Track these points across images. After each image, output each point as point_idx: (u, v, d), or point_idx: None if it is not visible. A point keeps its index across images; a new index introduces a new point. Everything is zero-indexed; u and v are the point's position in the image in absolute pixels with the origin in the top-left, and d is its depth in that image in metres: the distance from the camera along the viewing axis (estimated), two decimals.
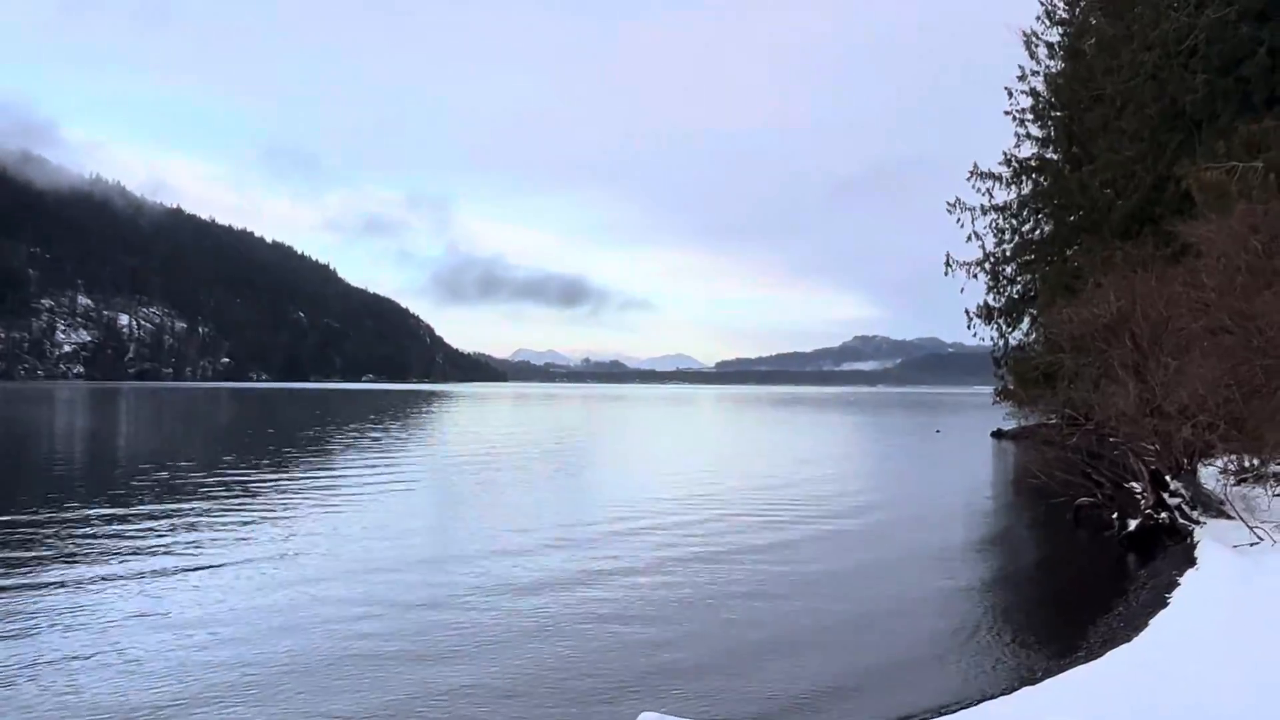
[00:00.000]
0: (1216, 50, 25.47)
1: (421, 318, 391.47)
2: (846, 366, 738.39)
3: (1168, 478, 14.70)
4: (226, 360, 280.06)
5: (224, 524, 14.81)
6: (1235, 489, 14.88)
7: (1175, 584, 9.99)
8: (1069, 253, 35.27)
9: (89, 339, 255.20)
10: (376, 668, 7.77)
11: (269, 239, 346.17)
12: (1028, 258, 39.11)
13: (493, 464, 26.35)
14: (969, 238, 39.62)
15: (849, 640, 8.86)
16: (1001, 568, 12.98)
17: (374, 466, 25.05)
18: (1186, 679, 6.38)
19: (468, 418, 61.19)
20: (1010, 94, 38.65)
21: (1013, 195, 39.13)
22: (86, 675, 7.43)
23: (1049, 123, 38.03)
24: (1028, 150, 38.88)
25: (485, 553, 12.80)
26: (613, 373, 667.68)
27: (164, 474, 21.82)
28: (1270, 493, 14.32)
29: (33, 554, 12.11)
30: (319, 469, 24.29)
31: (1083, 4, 36.25)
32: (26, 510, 15.66)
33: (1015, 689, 6.97)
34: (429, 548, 13.27)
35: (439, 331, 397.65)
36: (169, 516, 15.30)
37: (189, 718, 6.65)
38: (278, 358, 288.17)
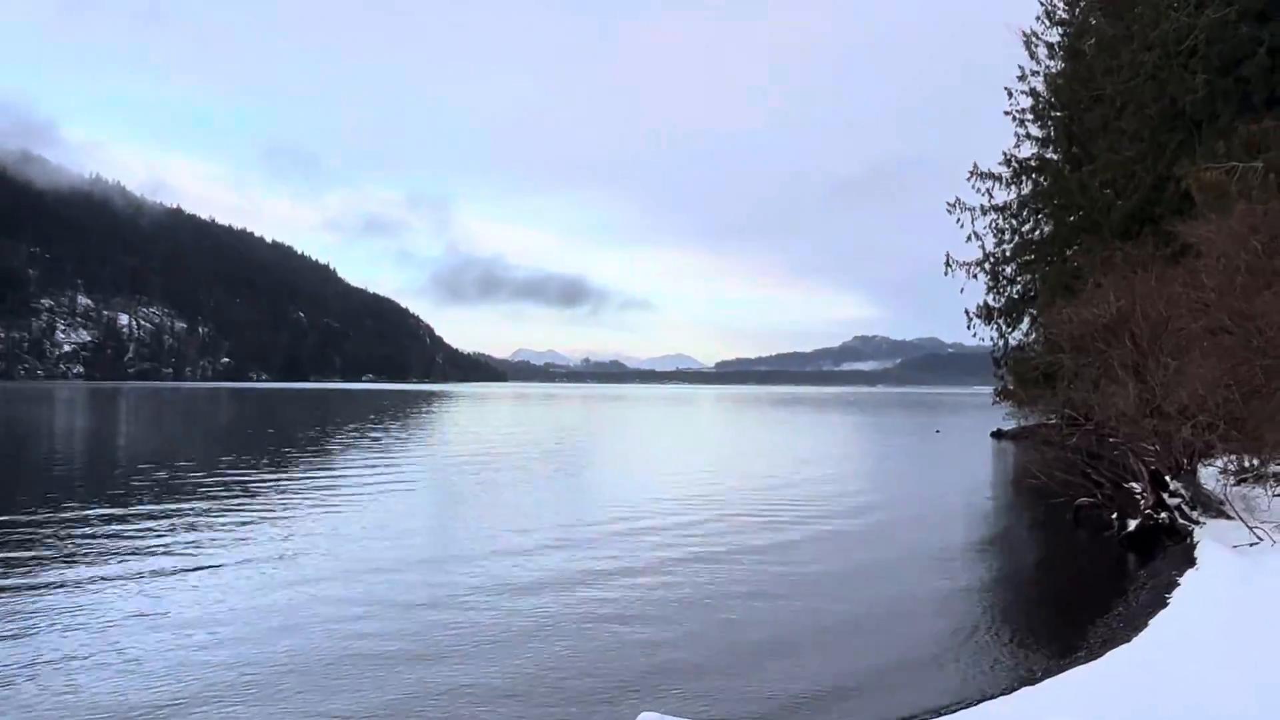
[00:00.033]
0: (1216, 50, 25.45)
1: (421, 318, 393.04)
2: (846, 366, 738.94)
3: (1167, 478, 14.69)
4: (226, 360, 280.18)
5: (223, 524, 14.80)
6: (1235, 489, 14.88)
7: (1175, 584, 9.98)
8: (1069, 253, 35.29)
9: (89, 339, 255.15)
10: (376, 667, 7.77)
11: (269, 239, 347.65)
12: (1028, 258, 39.13)
13: (492, 464, 26.34)
14: (969, 238, 39.72)
15: (849, 640, 8.85)
16: (1001, 568, 12.99)
17: (374, 466, 25.06)
18: (1186, 679, 6.38)
19: (467, 418, 61.19)
20: (1010, 94, 38.77)
21: (1013, 195, 39.23)
22: (85, 675, 7.42)
23: (1049, 123, 38.05)
24: (1028, 150, 39.02)
25: (485, 553, 12.80)
26: (612, 373, 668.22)
27: (163, 474, 21.82)
28: (1270, 493, 14.32)
29: (32, 554, 12.10)
30: (318, 469, 24.28)
31: (1082, 4, 36.24)
32: (26, 510, 15.65)
33: (1015, 689, 6.97)
34: (428, 548, 13.26)
35: (439, 331, 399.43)
36: (168, 517, 15.31)
37: (188, 717, 6.65)
38: (278, 358, 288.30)
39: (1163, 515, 13.86)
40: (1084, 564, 13.30)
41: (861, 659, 8.21)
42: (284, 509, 16.61)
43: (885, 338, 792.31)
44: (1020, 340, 39.82)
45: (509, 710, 6.89)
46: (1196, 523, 13.10)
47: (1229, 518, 12.86)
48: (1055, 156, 37.75)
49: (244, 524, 14.84)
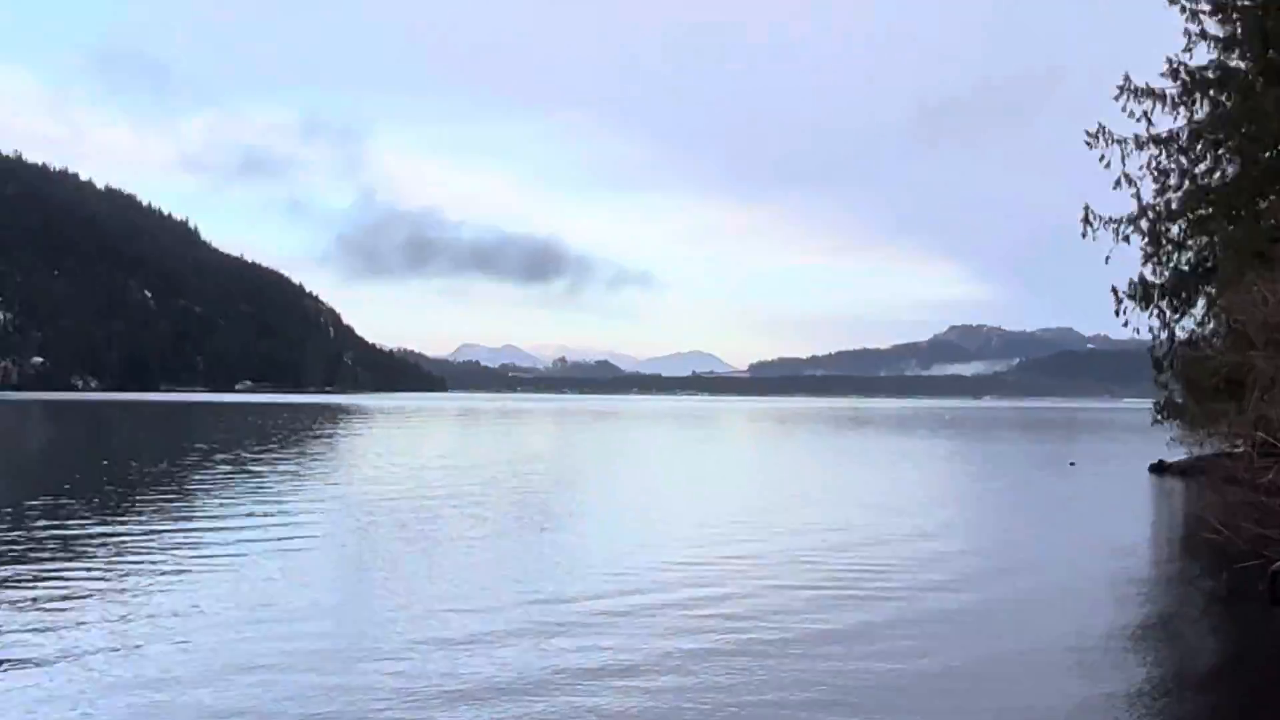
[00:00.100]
0: None
1: (322, 299, 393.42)
2: (940, 370, 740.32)
3: None
4: (38, 360, 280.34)
5: (32, 600, 14.69)
6: None
7: None
8: (1263, 205, 35.29)
9: None
10: None
11: (100, 184, 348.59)
12: (1203, 212, 39.18)
13: (425, 512, 26.36)
14: (1117, 183, 39.79)
15: None
16: (1168, 665, 13.03)
17: (252, 515, 25.10)
18: None
19: (389, 444, 61.22)
20: None
21: (1181, 121, 39.33)
22: None
23: (1235, 15, 38.05)
24: (1203, 56, 39.02)
25: (414, 643, 12.75)
26: (600, 379, 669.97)
27: None
28: None
29: None
30: (172, 519, 24.20)
31: None
32: None
33: None
34: (330, 636, 13.21)
35: (347, 319, 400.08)
36: None
37: None
38: (112, 357, 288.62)
39: None
40: None
41: None
42: (123, 578, 16.50)
43: (996, 329, 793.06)
44: (1193, 332, 40.00)
45: None
46: None
47: None
48: (1244, 64, 37.75)
49: (64, 599, 14.77)
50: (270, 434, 67.53)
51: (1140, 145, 39.45)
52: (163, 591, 15.59)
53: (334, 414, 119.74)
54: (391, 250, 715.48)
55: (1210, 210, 38.96)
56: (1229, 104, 37.97)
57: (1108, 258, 40.76)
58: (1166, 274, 40.20)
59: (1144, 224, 39.91)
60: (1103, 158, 39.63)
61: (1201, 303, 39.81)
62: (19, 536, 20.66)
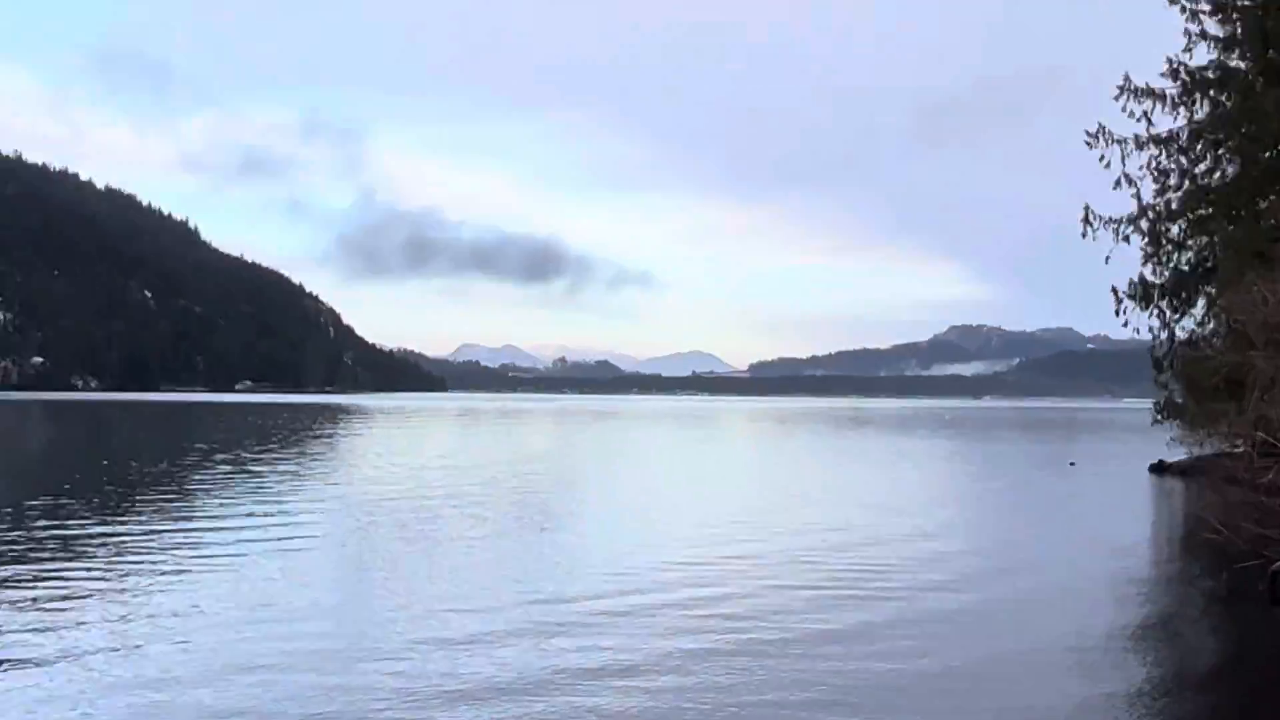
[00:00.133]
0: None
1: (322, 299, 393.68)
2: (940, 370, 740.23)
3: None
4: (38, 360, 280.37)
5: (34, 600, 14.74)
6: None
7: None
8: (1263, 205, 35.27)
9: None
10: None
11: (100, 184, 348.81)
12: (1203, 212, 39.17)
13: (425, 511, 26.40)
14: (1117, 183, 39.84)
15: None
16: (1168, 666, 13.06)
17: (252, 515, 25.14)
18: None
19: (389, 444, 61.26)
20: None
21: (1181, 121, 39.35)
22: None
23: (1235, 15, 38.03)
24: (1203, 55, 39.03)
25: (414, 643, 12.77)
26: (600, 379, 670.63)
27: None
28: None
29: None
30: (172, 519, 24.23)
31: None
32: None
33: None
34: (330, 636, 13.23)
35: (348, 319, 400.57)
36: None
37: None
38: (112, 357, 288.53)
39: None
40: None
41: None
42: (123, 578, 16.53)
43: (996, 329, 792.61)
44: (1193, 332, 40.00)
45: None
46: None
47: None
48: (1244, 64, 37.73)
49: (64, 599, 14.80)
50: (270, 434, 67.54)
51: (1140, 145, 39.50)
52: (163, 591, 15.56)
53: (334, 414, 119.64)
54: (391, 250, 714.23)
55: (1210, 210, 38.97)
56: (1229, 104, 37.97)
57: (1108, 258, 40.86)
58: (1166, 274, 40.21)
59: (1144, 224, 39.92)
60: (1103, 158, 39.74)
61: (1201, 303, 39.86)
62: (19, 536, 20.68)
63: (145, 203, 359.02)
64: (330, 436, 69.74)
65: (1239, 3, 37.66)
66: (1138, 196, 39.84)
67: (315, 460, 46.96)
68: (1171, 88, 39.01)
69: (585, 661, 12.04)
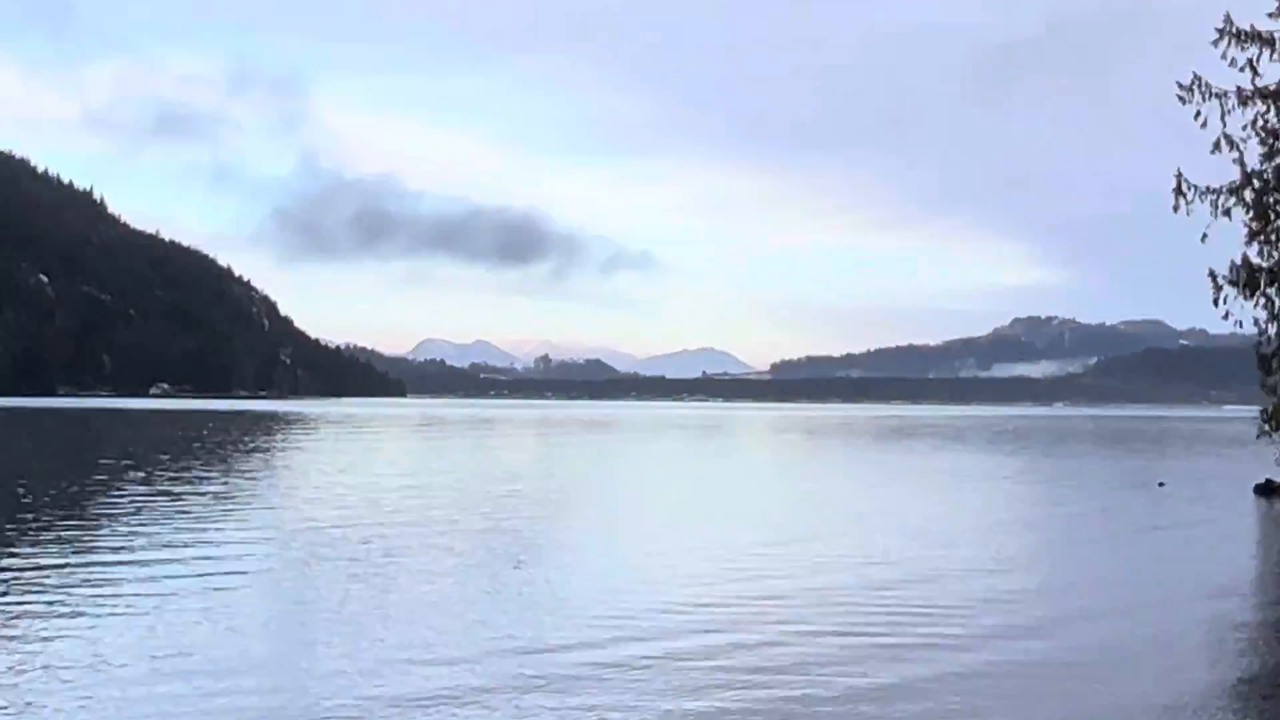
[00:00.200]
0: None
1: (254, 285, 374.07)
2: (1002, 371, 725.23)
3: None
4: None
5: None
6: None
7: None
8: None
9: None
10: None
11: None
12: None
13: (380, 542, 25.32)
14: (1216, 145, 37.72)
15: None
16: None
17: (170, 546, 24.23)
18: None
19: (336, 460, 60.23)
20: None
21: None
22: None
23: None
24: None
25: (364, 701, 12.14)
26: (592, 381, 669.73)
27: None
28: None
29: None
30: (74, 550, 23.17)
31: None
32: None
33: None
34: (262, 693, 12.51)
35: (285, 310, 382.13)
36: None
37: None
38: (1, 354, 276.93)
39: None
40: None
41: None
42: (10, 621, 15.82)
43: (1070, 320, 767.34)
44: None
45: None
46: None
47: None
48: None
49: None
50: (192, 448, 66.39)
51: (1244, 100, 37.49)
52: (60, 638, 14.70)
53: (269, 424, 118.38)
54: (338, 226, 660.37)
55: None
56: None
57: (1204, 236, 38.64)
58: (1276, 255, 38.09)
59: (1248, 195, 37.81)
60: (1198, 115, 37.60)
61: None
62: None
63: (40, 168, 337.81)
64: (265, 451, 68.90)
65: None
66: (1241, 162, 37.62)
67: (246, 479, 45.72)
68: None
69: None
